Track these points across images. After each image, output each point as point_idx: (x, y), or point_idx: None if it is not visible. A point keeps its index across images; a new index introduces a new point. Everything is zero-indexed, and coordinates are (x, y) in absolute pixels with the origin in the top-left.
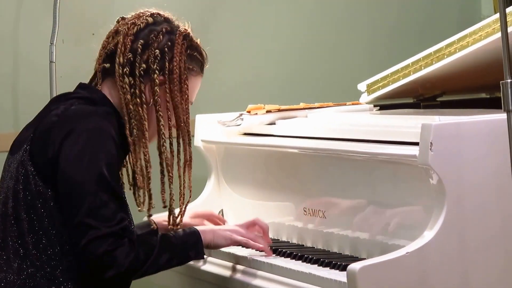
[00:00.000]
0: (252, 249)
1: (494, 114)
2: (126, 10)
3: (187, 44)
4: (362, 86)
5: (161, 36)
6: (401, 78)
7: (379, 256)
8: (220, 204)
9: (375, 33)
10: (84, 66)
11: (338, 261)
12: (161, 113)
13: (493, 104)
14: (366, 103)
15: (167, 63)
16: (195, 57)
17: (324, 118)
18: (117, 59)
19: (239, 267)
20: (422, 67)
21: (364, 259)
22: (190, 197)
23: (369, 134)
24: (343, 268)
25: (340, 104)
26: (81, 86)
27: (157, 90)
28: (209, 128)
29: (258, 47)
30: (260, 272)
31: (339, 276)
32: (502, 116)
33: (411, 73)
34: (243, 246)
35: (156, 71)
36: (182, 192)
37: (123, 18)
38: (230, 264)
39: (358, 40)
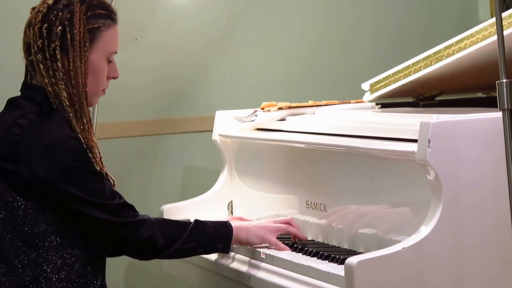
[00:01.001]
0: (294, 234)
1: (490, 113)
2: (169, 15)
3: (86, 6)
4: (365, 86)
5: (60, 13)
6: (402, 78)
7: (376, 251)
8: (231, 196)
9: (379, 36)
10: (128, 70)
11: (336, 255)
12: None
13: (489, 103)
14: (369, 101)
15: (68, 35)
16: (98, 14)
17: (330, 115)
18: (32, 49)
19: (238, 256)
20: (422, 68)
21: (362, 253)
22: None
23: (371, 131)
24: (341, 261)
25: (345, 102)
26: (24, 85)
27: (67, 64)
28: (226, 124)
29: (273, 50)
30: (260, 264)
31: (337, 269)
32: (498, 114)
33: (412, 73)
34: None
35: (58, 48)
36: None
37: (33, 9)
38: (233, 254)
39: (362, 43)
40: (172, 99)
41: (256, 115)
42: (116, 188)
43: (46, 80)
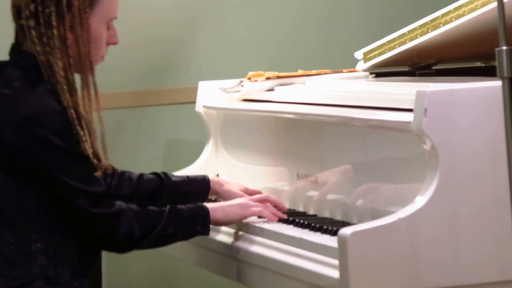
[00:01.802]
0: (268, 218)
1: (488, 82)
2: None
3: None
4: (358, 54)
5: None
6: (397, 46)
7: (370, 222)
8: (217, 169)
9: (372, 2)
10: None
11: (329, 226)
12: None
13: (488, 72)
14: (363, 70)
15: (65, 1)
16: None
17: (321, 85)
18: (23, 13)
19: (225, 229)
20: (418, 36)
21: (355, 224)
22: (104, 134)
23: (365, 100)
24: (334, 233)
25: (337, 72)
26: (13, 50)
27: (63, 32)
28: (210, 95)
29: (259, 17)
30: (250, 236)
31: (330, 241)
32: (497, 83)
33: (407, 41)
34: (259, 217)
35: (53, 13)
36: (90, 128)
37: None
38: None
39: (355, 8)
40: (153, 69)
41: (242, 86)
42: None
43: (39, 48)
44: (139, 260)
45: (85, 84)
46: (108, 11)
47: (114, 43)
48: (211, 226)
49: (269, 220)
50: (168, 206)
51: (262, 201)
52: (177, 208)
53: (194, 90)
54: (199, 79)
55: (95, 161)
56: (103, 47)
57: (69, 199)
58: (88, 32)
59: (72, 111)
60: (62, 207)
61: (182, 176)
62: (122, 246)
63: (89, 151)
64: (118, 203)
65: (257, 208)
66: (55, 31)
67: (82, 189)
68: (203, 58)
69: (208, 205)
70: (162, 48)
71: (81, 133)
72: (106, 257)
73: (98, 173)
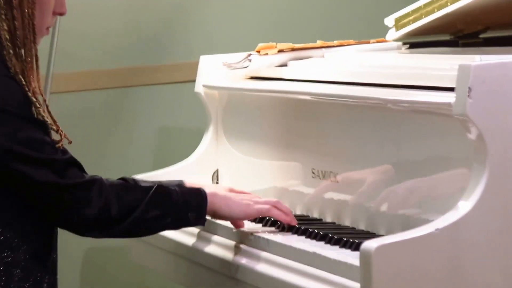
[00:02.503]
0: (278, 219)
1: None
2: None
3: None
4: (389, 21)
5: None
6: (436, 10)
7: (401, 233)
8: (216, 163)
9: None
10: (89, 9)
11: (350, 238)
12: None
13: None
14: (394, 40)
15: None
16: None
17: (344, 59)
18: None
19: (221, 240)
20: None
21: (382, 236)
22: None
23: (396, 78)
24: (356, 246)
25: (363, 42)
26: None
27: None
28: (213, 72)
29: None
30: (252, 250)
31: (350, 257)
32: None
33: (449, 3)
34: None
35: None
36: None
37: None
38: (207, 234)
39: None
40: (145, 42)
41: (250, 60)
42: (73, 153)
43: None
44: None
45: (28, 52)
46: None
47: (61, 14)
48: (207, 217)
49: (280, 221)
50: (156, 183)
51: (267, 201)
52: (167, 188)
53: (194, 67)
54: (200, 53)
55: (54, 128)
56: (49, 16)
57: (28, 173)
58: None
59: (21, 77)
60: (20, 185)
61: (154, 183)
62: (95, 226)
63: (46, 117)
64: (91, 175)
65: (265, 206)
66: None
67: (44, 158)
68: (205, 28)
69: (208, 189)
70: (155, 16)
71: (33, 99)
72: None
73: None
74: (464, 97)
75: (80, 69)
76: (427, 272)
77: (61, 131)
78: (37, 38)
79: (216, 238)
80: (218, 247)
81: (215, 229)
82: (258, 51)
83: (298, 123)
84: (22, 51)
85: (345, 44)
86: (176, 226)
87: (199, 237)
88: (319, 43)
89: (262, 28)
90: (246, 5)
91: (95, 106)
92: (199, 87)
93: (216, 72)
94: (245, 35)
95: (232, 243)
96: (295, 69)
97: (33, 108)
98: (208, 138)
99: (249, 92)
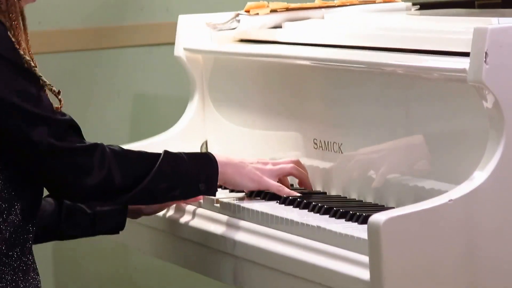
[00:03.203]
0: (297, 178)
1: None
2: None
3: None
4: None
5: None
6: None
7: (412, 205)
8: (205, 133)
9: None
10: None
11: (357, 211)
12: None
13: None
14: (402, 0)
15: None
16: None
17: (346, 20)
18: None
19: (219, 216)
20: None
21: (392, 208)
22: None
23: (405, 41)
24: (363, 220)
25: (368, 2)
26: None
27: None
28: (194, 33)
29: None
30: (251, 225)
31: (357, 230)
32: None
33: None
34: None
35: None
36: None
37: None
38: (206, 211)
39: None
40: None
41: (238, 21)
42: None
43: None
44: (95, 260)
45: (11, 6)
46: None
47: None
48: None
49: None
50: (163, 151)
51: (286, 172)
52: (175, 156)
53: (172, 27)
54: (179, 12)
55: (54, 89)
56: None
57: (24, 130)
58: None
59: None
60: (12, 145)
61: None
62: (95, 195)
63: (43, 77)
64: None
65: (276, 184)
66: None
67: (43, 115)
68: None
69: (218, 157)
70: None
71: (27, 57)
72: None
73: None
74: (479, 62)
75: (44, 29)
76: (440, 245)
77: (59, 94)
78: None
79: (212, 213)
80: (216, 223)
81: (207, 204)
82: (247, 11)
83: (296, 90)
84: (3, 6)
85: (347, 3)
86: (184, 197)
87: (187, 212)
88: (317, 2)
89: None
90: None
91: (61, 71)
92: (179, 51)
93: (198, 33)
94: None
95: (228, 218)
96: (291, 31)
97: (24, 58)
98: (194, 106)
99: (240, 56)
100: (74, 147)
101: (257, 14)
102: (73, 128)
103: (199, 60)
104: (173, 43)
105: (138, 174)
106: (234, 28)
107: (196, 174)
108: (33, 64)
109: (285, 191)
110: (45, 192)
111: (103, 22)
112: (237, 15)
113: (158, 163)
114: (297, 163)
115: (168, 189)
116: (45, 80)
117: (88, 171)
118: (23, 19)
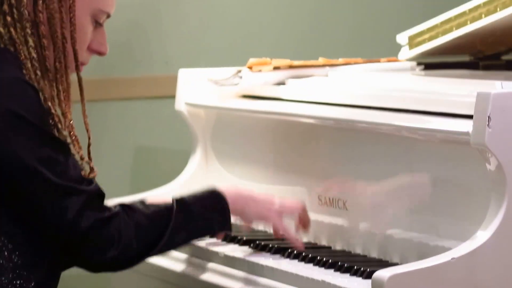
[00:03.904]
0: (297, 222)
1: None
2: None
3: None
4: (402, 38)
5: None
6: (454, 29)
7: (416, 262)
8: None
9: None
10: None
11: (361, 266)
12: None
13: None
14: (407, 60)
15: None
16: None
17: (350, 79)
18: None
19: (227, 270)
20: (483, 15)
21: (396, 264)
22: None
23: (409, 102)
24: (367, 275)
25: (372, 61)
26: None
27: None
28: (196, 88)
29: None
30: (255, 278)
31: (362, 285)
32: None
33: (468, 22)
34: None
35: None
36: (72, 135)
37: None
38: (213, 265)
39: None
40: (116, 51)
41: (240, 77)
42: None
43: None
44: None
45: (60, 78)
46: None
47: (100, 53)
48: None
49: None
50: (174, 202)
51: (293, 209)
52: (186, 204)
53: (172, 80)
54: (178, 65)
55: (79, 152)
56: (83, 49)
57: (50, 200)
58: (69, 12)
59: (50, 104)
60: (34, 215)
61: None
62: (116, 265)
63: (69, 139)
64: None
65: (281, 224)
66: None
67: (70, 186)
68: (183, 38)
69: (227, 191)
70: (126, 17)
71: (55, 116)
72: None
73: (85, 173)
74: (482, 126)
75: None
76: None
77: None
78: (67, 67)
79: (212, 265)
80: (215, 274)
81: (210, 256)
82: (250, 67)
83: (299, 146)
84: (51, 75)
85: (352, 62)
86: (201, 239)
87: (190, 263)
88: (321, 60)
89: (254, 40)
90: (234, 11)
91: None
92: (180, 105)
93: (199, 88)
94: (233, 48)
95: (231, 270)
96: (295, 88)
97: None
98: (196, 160)
99: (245, 112)
100: (92, 223)
101: (260, 70)
102: (96, 197)
103: (201, 114)
104: (173, 96)
105: (155, 237)
106: (236, 84)
107: (209, 217)
108: (69, 135)
109: (290, 235)
110: None
111: (102, 74)
112: (239, 71)
113: (172, 219)
114: (304, 206)
115: (186, 238)
116: (78, 148)
117: (108, 246)
118: (68, 87)
